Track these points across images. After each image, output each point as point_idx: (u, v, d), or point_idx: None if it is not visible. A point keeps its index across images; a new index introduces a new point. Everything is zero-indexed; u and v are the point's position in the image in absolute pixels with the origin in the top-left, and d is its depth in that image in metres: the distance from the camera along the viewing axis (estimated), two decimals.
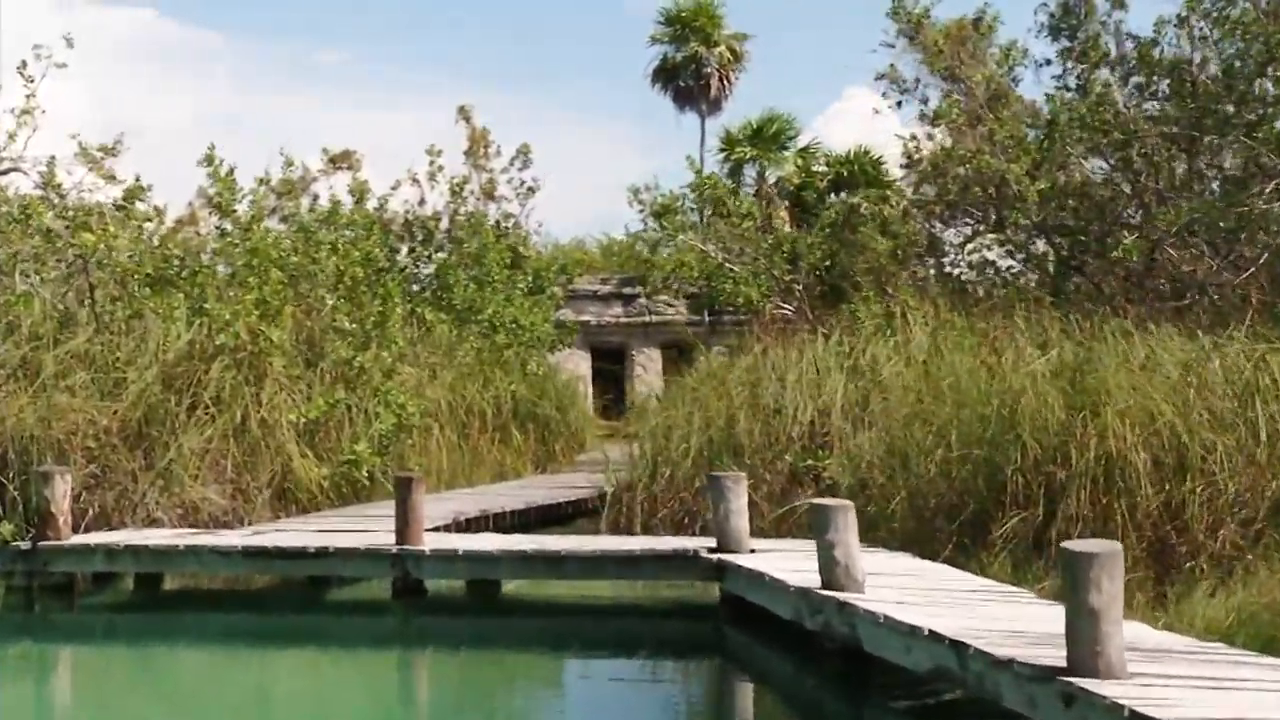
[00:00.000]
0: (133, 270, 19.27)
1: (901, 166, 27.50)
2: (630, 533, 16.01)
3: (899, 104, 26.24)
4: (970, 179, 21.66)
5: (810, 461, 15.75)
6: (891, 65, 25.63)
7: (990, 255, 24.12)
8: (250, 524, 16.75)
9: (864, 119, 76.09)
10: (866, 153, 36.81)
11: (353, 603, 14.10)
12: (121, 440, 16.99)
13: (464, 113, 29.15)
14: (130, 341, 18.32)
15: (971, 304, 20.58)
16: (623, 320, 40.81)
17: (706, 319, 40.35)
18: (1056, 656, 7.13)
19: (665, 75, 39.83)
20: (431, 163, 27.97)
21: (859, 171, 35.87)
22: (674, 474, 16.42)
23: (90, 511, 15.88)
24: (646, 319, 41.37)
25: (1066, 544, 7.16)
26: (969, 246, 24.35)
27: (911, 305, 19.30)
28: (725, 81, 39.19)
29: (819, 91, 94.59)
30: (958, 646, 7.85)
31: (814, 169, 36.43)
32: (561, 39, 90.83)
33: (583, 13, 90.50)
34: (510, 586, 13.62)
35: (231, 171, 22.62)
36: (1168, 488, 11.54)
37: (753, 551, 12.06)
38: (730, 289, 22.60)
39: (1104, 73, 22.28)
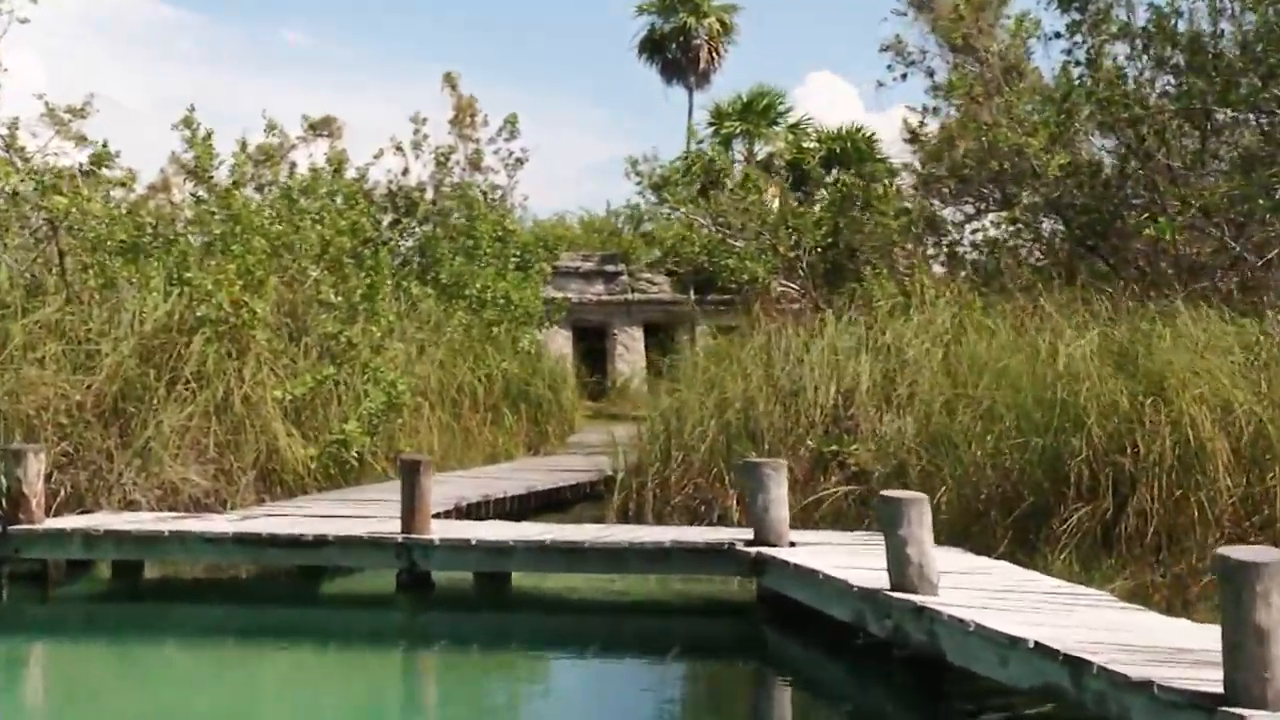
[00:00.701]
0: (106, 237, 18.18)
1: (906, 141, 26.66)
2: (641, 521, 15.05)
3: (904, 76, 25.48)
4: (986, 152, 20.73)
5: (834, 447, 14.79)
6: (898, 36, 24.85)
7: (994, 234, 23.33)
8: (233, 507, 15.73)
9: (829, 104, 75.58)
10: (859, 130, 36.01)
11: (351, 595, 13.04)
12: (95, 417, 15.99)
13: (450, 80, 28.02)
14: (104, 312, 17.22)
15: (981, 283, 19.74)
16: (604, 298, 39.81)
17: (693, 297, 39.45)
18: (1203, 680, 6.20)
19: (652, 47, 38.71)
20: (416, 131, 26.81)
21: (851, 149, 35.04)
22: (687, 459, 15.43)
23: (62, 492, 14.83)
24: (629, 297, 40.37)
25: (1224, 550, 6.18)
26: (971, 225, 23.55)
27: (927, 284, 18.41)
28: (715, 54, 38.11)
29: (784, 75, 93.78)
30: (1074, 664, 6.89)
31: (804, 145, 35.37)
32: (536, 19, 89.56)
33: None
34: (520, 579, 12.62)
35: (209, 135, 21.43)
36: (1248, 480, 10.64)
37: (793, 545, 11.09)
38: (734, 265, 21.50)
39: (1117, 47, 21.46)
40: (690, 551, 11.32)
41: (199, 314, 16.93)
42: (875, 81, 25.68)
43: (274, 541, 12.14)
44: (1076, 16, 21.31)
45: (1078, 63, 21.33)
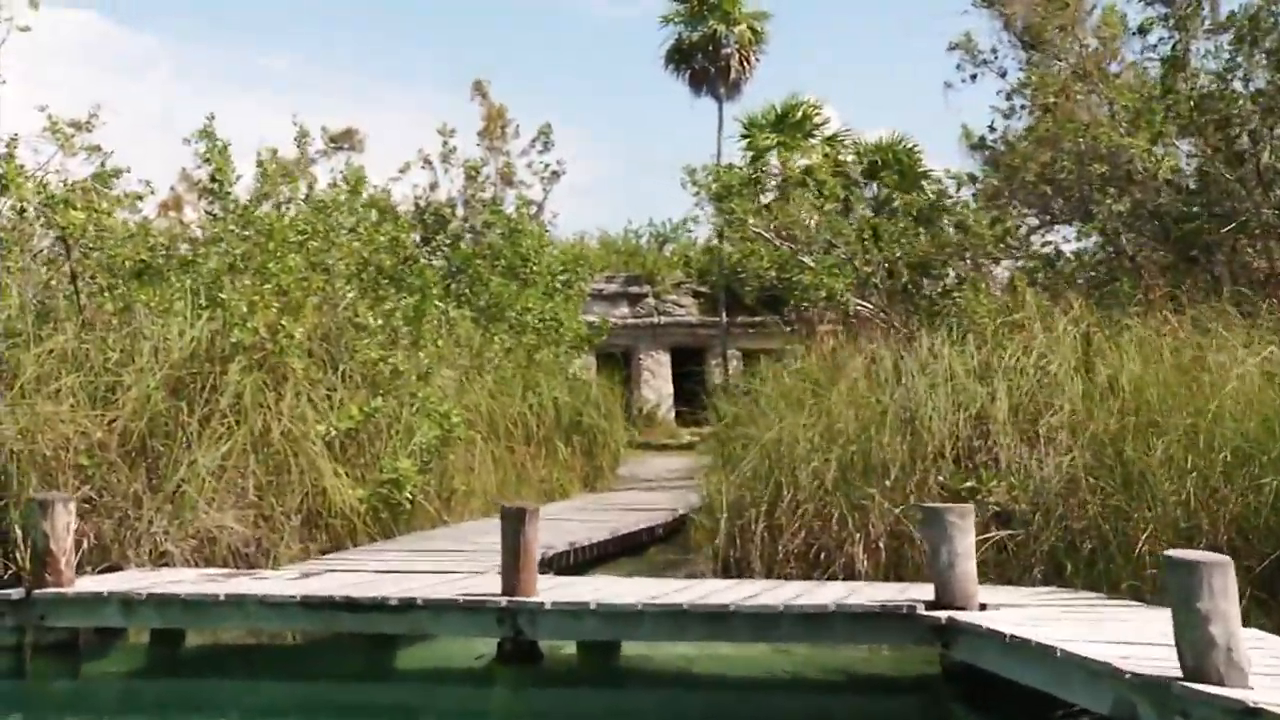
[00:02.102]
0: (125, 256, 16.36)
1: (973, 148, 24.96)
2: (747, 572, 13.22)
3: (973, 77, 23.83)
4: (1084, 155, 18.94)
5: (970, 484, 12.90)
6: (967, 34, 23.21)
7: (1076, 245, 21.61)
8: (277, 559, 13.89)
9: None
10: (900, 141, 34.37)
11: (433, 668, 11.03)
12: (121, 457, 14.08)
13: (480, 88, 26.27)
14: (124, 340, 15.33)
15: (1088, 298, 17.93)
16: (630, 321, 37.97)
17: (724, 320, 37.69)
18: None
19: (679, 57, 36.87)
20: (445, 143, 25.02)
21: (893, 160, 33.38)
22: (797, 499, 13.55)
23: (85, 544, 12.91)
24: (655, 320, 38.55)
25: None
26: (1035, 237, 21.77)
27: (1032, 300, 16.59)
28: (745, 63, 36.29)
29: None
30: None
31: (841, 158, 33.67)
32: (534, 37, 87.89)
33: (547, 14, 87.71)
34: (631, 648, 10.72)
35: (226, 148, 19.57)
36: None
37: (983, 607, 9.21)
38: (810, 281, 19.56)
39: (1204, 44, 19.83)
40: (856, 617, 9.39)
41: (233, 340, 15.06)
42: (943, 83, 23.71)
43: (351, 605, 10.21)
44: (1163, 10, 19.76)
45: (1162, 60, 19.75)
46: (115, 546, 13.34)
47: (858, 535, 12.80)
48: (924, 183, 31.75)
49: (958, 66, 23.61)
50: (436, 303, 18.50)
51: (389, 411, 16.19)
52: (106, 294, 16.01)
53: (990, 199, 20.82)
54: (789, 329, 39.60)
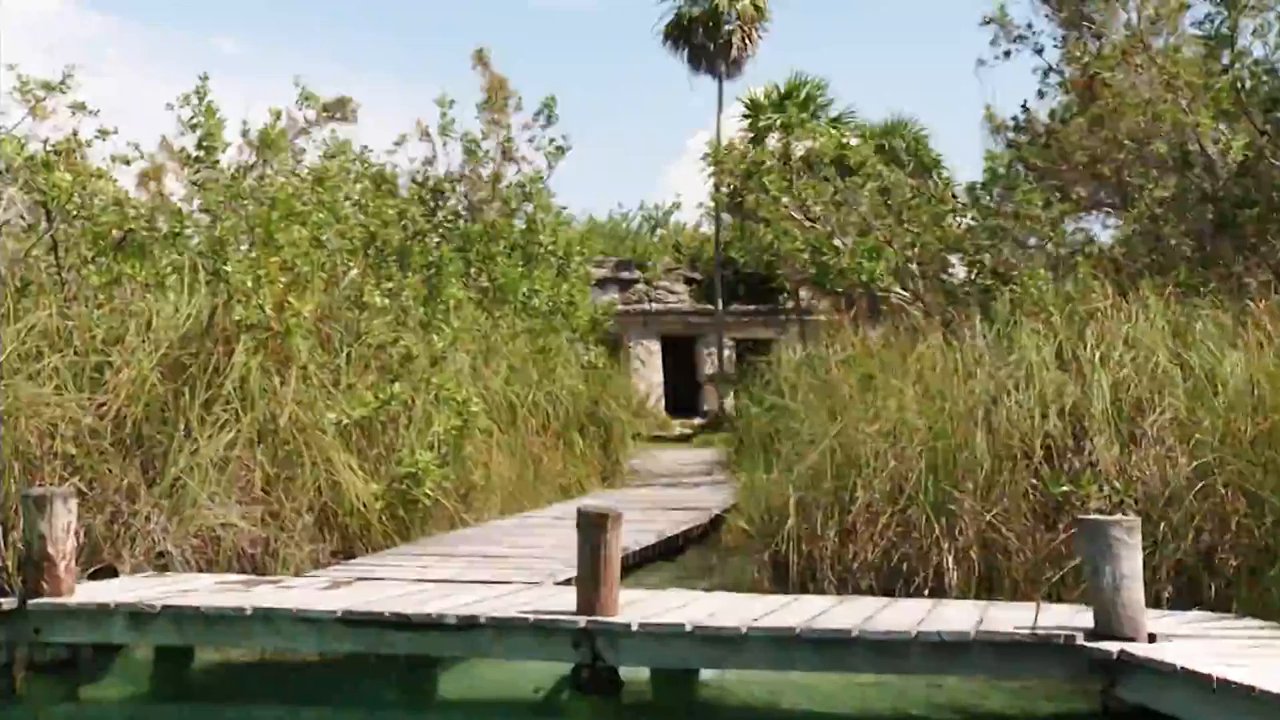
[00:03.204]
0: (110, 225, 14.87)
1: (996, 130, 23.79)
2: (813, 583, 11.90)
3: (1006, 54, 22.61)
4: (1146, 133, 17.70)
5: (1067, 487, 11.59)
6: (1001, 8, 21.98)
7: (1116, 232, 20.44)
8: (286, 563, 12.49)
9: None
10: (905, 124, 33.21)
11: (488, 700, 9.62)
12: (113, 446, 12.61)
13: (481, 57, 24.72)
14: (112, 316, 13.86)
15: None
16: (619, 308, 36.55)
17: (721, 308, 36.39)
18: None
19: (678, 33, 35.43)
20: (443, 115, 23.48)
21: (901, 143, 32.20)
22: (870, 502, 12.21)
23: (73, 542, 11.41)
24: (646, 307, 37.17)
25: None
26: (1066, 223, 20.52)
27: (1099, 287, 15.33)
28: (747, 40, 34.88)
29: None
30: None
31: (846, 141, 32.39)
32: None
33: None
34: (711, 675, 9.37)
35: (216, 111, 17.97)
36: None
37: (1152, 638, 7.89)
38: (848, 265, 18.15)
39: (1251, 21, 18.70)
40: (1004, 647, 8.04)
41: (236, 318, 13.61)
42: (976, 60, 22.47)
43: (402, 624, 8.78)
44: None
45: (1208, 38, 18.61)
46: (108, 545, 11.94)
47: (945, 544, 11.49)
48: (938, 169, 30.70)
49: (992, 42, 22.46)
50: (454, 280, 17.02)
51: (402, 399, 14.76)
52: (91, 266, 14.53)
53: (1038, 179, 19.55)
54: (782, 317, 38.58)
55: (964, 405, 12.75)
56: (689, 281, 38.57)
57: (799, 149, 32.26)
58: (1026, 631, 8.01)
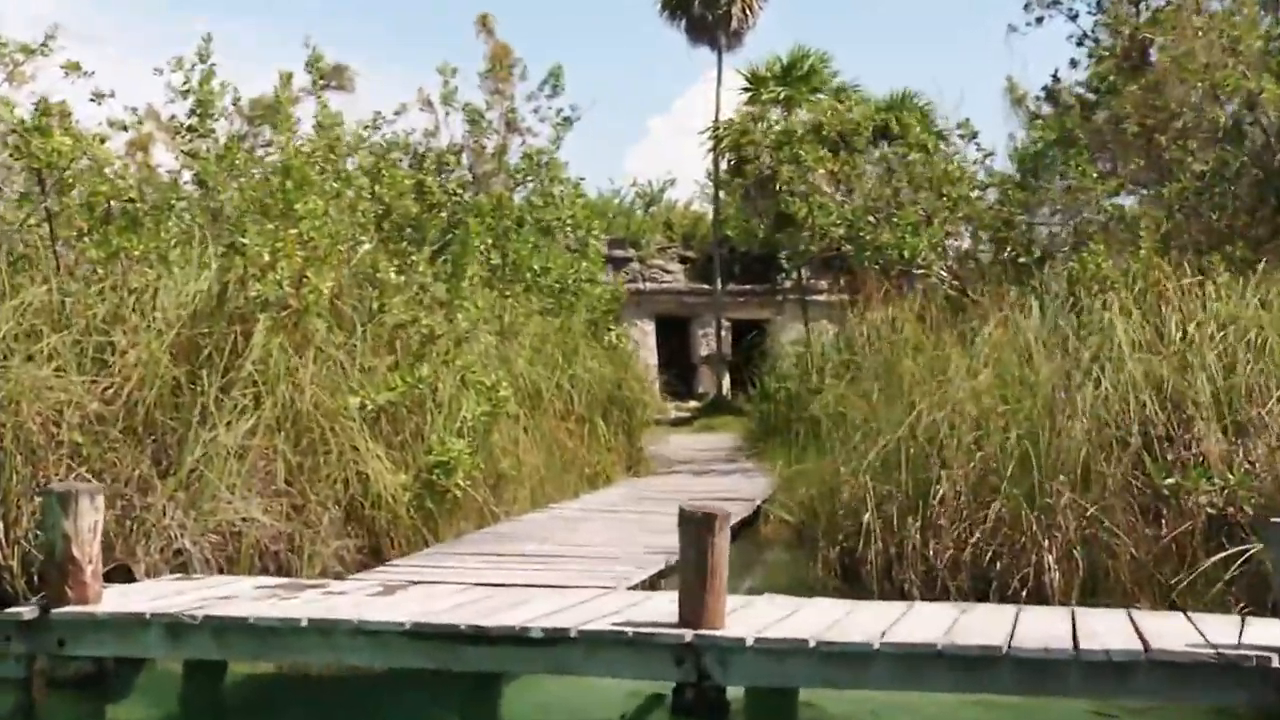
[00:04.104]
0: (106, 195, 13.79)
1: (1017, 102, 22.98)
2: (889, 586, 10.95)
3: (1039, 20, 21.83)
4: (1205, 100, 16.77)
5: (1173, 480, 10.64)
6: None
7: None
8: (313, 559, 11.48)
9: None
10: (910, 97, 32.31)
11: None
12: (123, 434, 11.55)
13: (485, 24, 23.59)
14: (115, 293, 12.79)
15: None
16: None
17: (721, 287, 35.43)
18: None
19: (677, 4, 34.31)
20: (446, 83, 22.32)
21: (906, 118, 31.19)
22: (946, 500, 11.22)
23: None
24: (640, 286, 36.13)
25: None
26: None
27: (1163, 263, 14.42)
28: (748, 11, 33.82)
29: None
30: None
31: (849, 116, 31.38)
32: None
33: None
34: (811, 695, 8.34)
35: (212, 74, 16.81)
36: None
37: None
38: (890, 240, 17.11)
39: None
40: (1173, 668, 6.99)
41: (254, 294, 12.53)
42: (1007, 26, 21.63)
43: (478, 637, 7.73)
44: None
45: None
46: (120, 543, 10.88)
47: (1045, 542, 10.53)
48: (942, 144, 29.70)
49: (1025, 6, 21.64)
50: (479, 255, 15.96)
51: (429, 383, 13.72)
52: (88, 238, 13.42)
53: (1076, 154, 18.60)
54: (780, 297, 37.64)
55: (1047, 389, 11.80)
56: (683, 260, 37.58)
57: (801, 120, 31.36)
58: (1210, 652, 7.02)
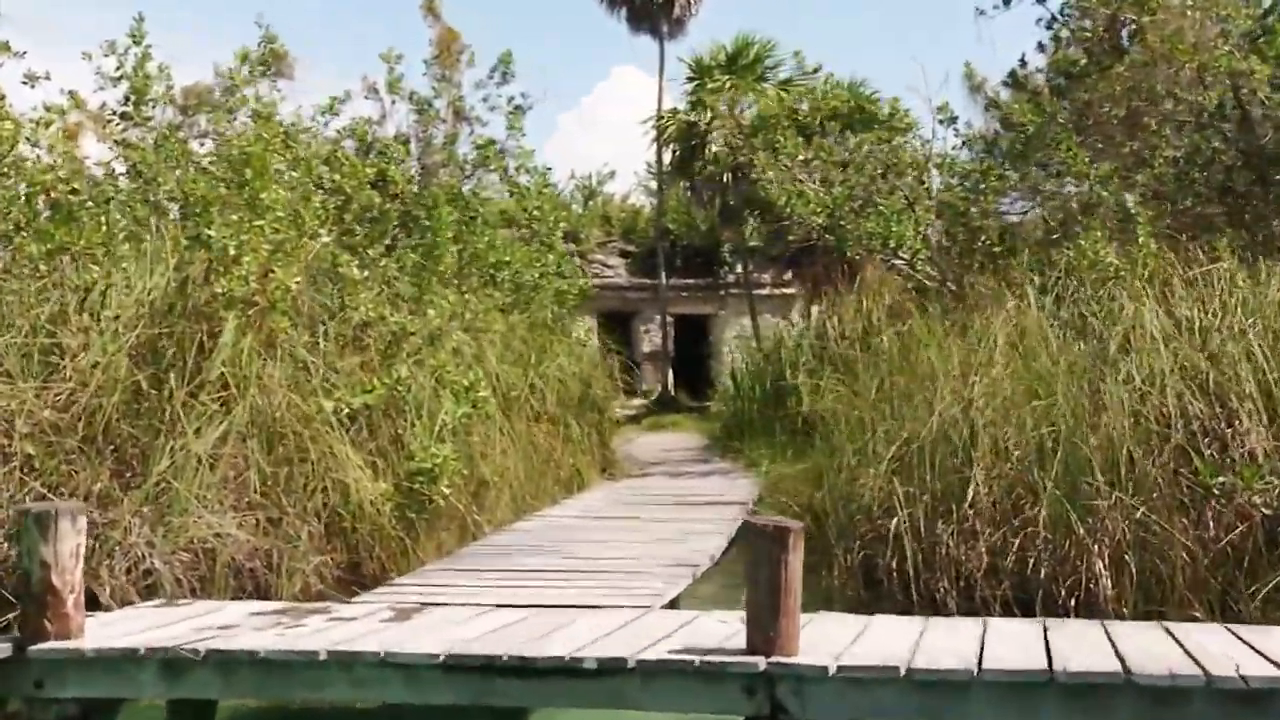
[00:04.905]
0: (46, 185, 12.75)
1: (974, 89, 22.44)
2: (918, 598, 10.22)
3: (1006, 2, 21.13)
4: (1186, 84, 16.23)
5: (1222, 479, 9.99)
6: None
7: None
8: (292, 581, 10.55)
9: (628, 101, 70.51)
10: (860, 83, 31.68)
11: None
12: (81, 443, 10.53)
13: (431, 8, 22.56)
14: (59, 292, 11.74)
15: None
16: None
17: (665, 281, 34.62)
18: None
19: None
20: (390, 70, 21.24)
21: (856, 108, 30.54)
22: (978, 502, 10.48)
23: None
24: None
25: None
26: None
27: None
28: None
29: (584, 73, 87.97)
30: None
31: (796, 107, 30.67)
32: None
33: None
34: None
35: (148, 57, 15.63)
36: None
37: None
38: (874, 228, 16.35)
39: None
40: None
41: (219, 290, 11.52)
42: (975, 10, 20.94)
43: (524, 669, 6.84)
44: None
45: None
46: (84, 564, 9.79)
47: (1094, 547, 9.82)
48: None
49: None
50: (451, 249, 15.00)
51: (406, 384, 12.79)
52: (24, 233, 12.36)
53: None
54: (722, 292, 36.94)
55: (1072, 381, 11.12)
56: (624, 254, 36.70)
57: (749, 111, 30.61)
58: None
